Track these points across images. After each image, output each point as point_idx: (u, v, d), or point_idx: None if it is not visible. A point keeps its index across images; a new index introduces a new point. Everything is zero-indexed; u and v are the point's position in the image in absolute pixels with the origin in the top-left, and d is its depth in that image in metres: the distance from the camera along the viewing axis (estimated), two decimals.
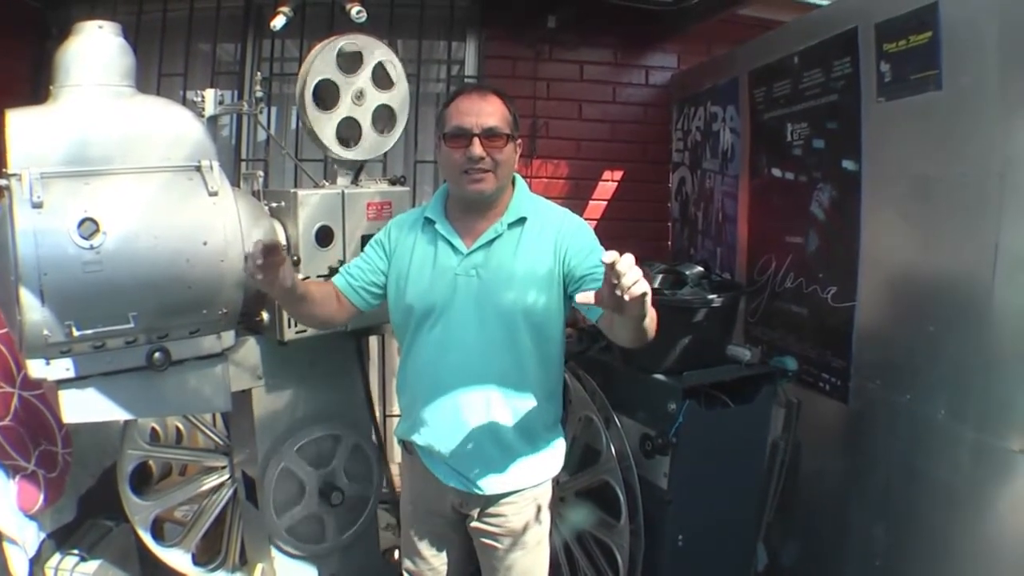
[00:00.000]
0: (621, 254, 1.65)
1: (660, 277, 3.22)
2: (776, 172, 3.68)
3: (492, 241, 2.25)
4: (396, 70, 3.07)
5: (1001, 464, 2.40)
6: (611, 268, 1.65)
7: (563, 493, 3.21)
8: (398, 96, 3.08)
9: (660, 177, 5.17)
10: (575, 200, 5.03)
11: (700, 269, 3.28)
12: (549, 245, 2.23)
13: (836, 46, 3.15)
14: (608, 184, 5.11)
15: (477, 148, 2.16)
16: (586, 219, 4.85)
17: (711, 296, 3.04)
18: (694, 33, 4.96)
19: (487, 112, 2.19)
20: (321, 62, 2.90)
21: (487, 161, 2.17)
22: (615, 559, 3.00)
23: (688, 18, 4.73)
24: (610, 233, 5.01)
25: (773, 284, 3.69)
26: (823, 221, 3.30)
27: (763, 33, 4.07)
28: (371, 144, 3.05)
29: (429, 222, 2.34)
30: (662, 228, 5.22)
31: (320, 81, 2.90)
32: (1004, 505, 2.44)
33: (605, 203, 5.11)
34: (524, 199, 2.33)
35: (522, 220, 2.27)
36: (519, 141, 2.32)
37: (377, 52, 3.01)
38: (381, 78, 3.04)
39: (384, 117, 3.08)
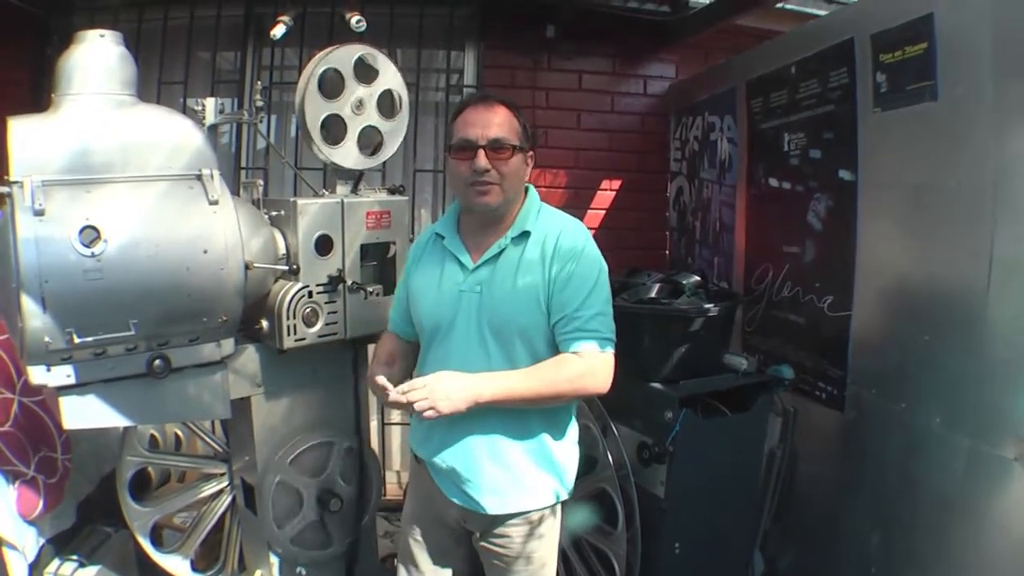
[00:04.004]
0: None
1: (657, 287, 3.24)
2: (773, 182, 3.70)
3: (497, 256, 2.22)
4: (401, 102, 3.08)
5: (996, 472, 2.41)
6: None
7: None
8: (393, 127, 3.09)
9: (658, 186, 5.20)
10: (573, 209, 4.98)
11: (697, 278, 3.30)
12: (544, 263, 2.18)
13: (832, 57, 3.17)
14: (606, 193, 5.13)
15: (482, 160, 2.13)
16: None
17: (708, 305, 3.06)
18: (692, 43, 4.99)
19: (494, 123, 2.17)
20: (340, 56, 2.91)
21: (492, 174, 2.15)
22: (612, 567, 3.01)
23: (686, 28, 4.76)
24: (608, 243, 5.02)
25: (770, 293, 3.70)
26: (819, 231, 3.32)
27: (760, 43, 4.08)
28: (351, 154, 3.02)
29: (439, 237, 2.33)
30: (660, 237, 5.24)
31: (332, 71, 2.91)
32: (999, 512, 2.45)
33: (603, 212, 5.13)
34: (531, 212, 2.27)
35: (526, 234, 2.22)
36: (530, 152, 2.28)
37: (391, 78, 3.03)
38: (385, 103, 3.06)
39: (372, 140, 3.09)
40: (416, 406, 2.01)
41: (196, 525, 3.26)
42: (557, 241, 2.19)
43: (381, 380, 2.14)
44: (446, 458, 2.26)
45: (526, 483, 2.25)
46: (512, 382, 2.11)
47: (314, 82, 2.89)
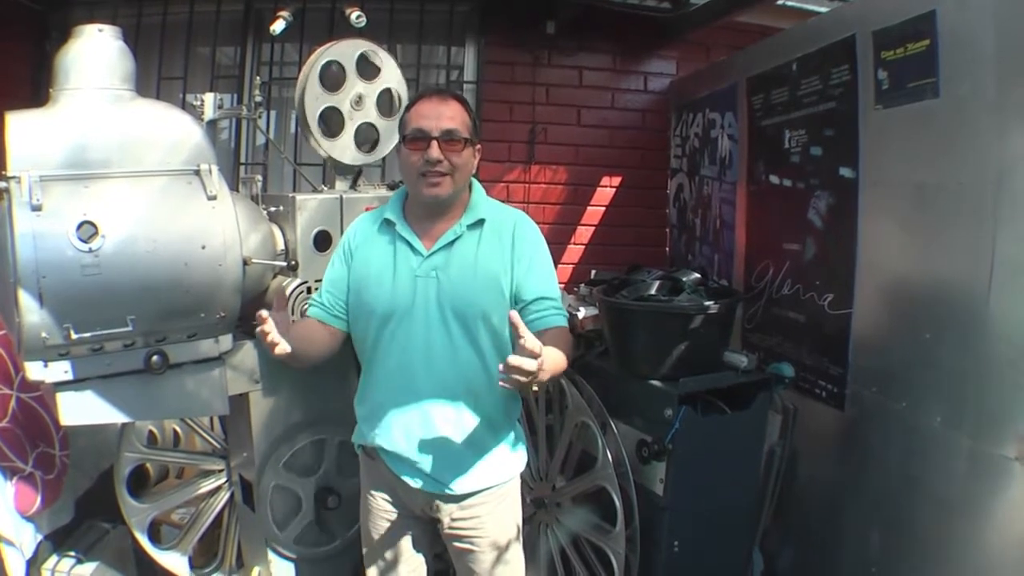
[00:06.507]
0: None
1: (657, 284, 3.23)
2: (774, 179, 3.69)
3: (452, 243, 2.27)
4: (400, 102, 3.10)
5: (997, 471, 2.41)
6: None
7: (559, 498, 3.21)
8: (390, 126, 3.11)
9: (658, 183, 5.18)
10: (573, 206, 5.04)
11: (697, 275, 3.29)
12: (505, 249, 2.28)
13: (834, 53, 3.16)
14: (606, 190, 5.12)
15: (435, 151, 2.18)
16: (584, 225, 4.92)
17: (708, 303, 3.05)
18: (693, 39, 4.99)
19: (447, 116, 2.22)
20: (344, 50, 2.94)
21: (445, 164, 2.20)
22: (611, 565, 3.00)
23: (687, 24, 4.74)
24: (607, 239, 5.06)
25: (770, 291, 3.70)
26: (820, 228, 3.31)
27: (762, 40, 4.08)
28: (348, 148, 3.08)
29: (388, 224, 2.35)
30: (660, 234, 5.23)
31: (335, 64, 2.92)
32: (1000, 512, 2.44)
33: (603, 209, 5.11)
34: (481, 201, 2.37)
35: (481, 222, 2.31)
36: (478, 147, 2.35)
37: (392, 76, 3.06)
38: (384, 101, 3.08)
39: (369, 137, 3.11)
40: (522, 377, 1.90)
41: (194, 522, 3.25)
42: (515, 230, 2.31)
43: None
44: (416, 447, 2.28)
45: (491, 460, 2.34)
46: (559, 358, 2.13)
47: (316, 73, 2.90)
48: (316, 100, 2.93)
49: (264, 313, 2.08)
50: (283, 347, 2.10)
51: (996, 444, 2.40)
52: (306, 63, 2.97)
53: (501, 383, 1.95)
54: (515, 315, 1.92)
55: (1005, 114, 2.37)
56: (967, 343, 2.52)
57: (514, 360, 1.87)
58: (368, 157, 3.10)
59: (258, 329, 2.09)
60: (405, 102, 3.10)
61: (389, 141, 3.10)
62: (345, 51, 2.94)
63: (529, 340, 1.88)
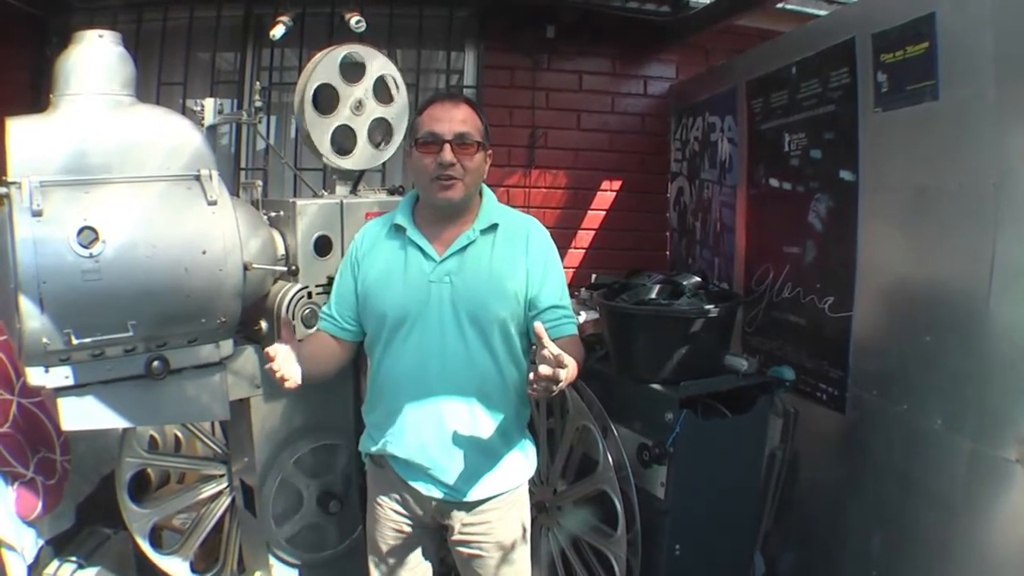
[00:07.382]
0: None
1: (657, 288, 3.23)
2: (774, 182, 3.70)
3: (465, 248, 2.27)
4: (397, 84, 3.10)
5: (998, 474, 2.40)
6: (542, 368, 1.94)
7: (560, 502, 3.21)
8: (396, 110, 3.11)
9: (658, 187, 5.19)
10: (573, 210, 5.05)
11: (697, 279, 3.29)
12: (519, 255, 2.29)
13: (833, 56, 3.16)
14: (606, 194, 5.13)
15: (448, 154, 2.18)
16: (584, 229, 4.93)
17: (708, 306, 3.04)
18: (692, 43, 5.00)
19: (459, 119, 2.22)
20: (324, 67, 2.92)
21: (457, 168, 2.20)
22: (612, 569, 3.00)
23: (686, 28, 4.76)
24: (608, 244, 5.06)
25: (770, 294, 3.70)
26: (820, 231, 3.31)
27: (761, 43, 4.08)
28: (366, 156, 3.08)
29: (399, 229, 2.34)
30: (660, 238, 5.23)
31: (321, 86, 2.92)
32: (1001, 514, 2.44)
33: (603, 213, 5.12)
34: (493, 206, 2.36)
35: (494, 227, 2.30)
36: (490, 151, 2.35)
37: (379, 65, 3.05)
38: (381, 91, 3.07)
39: (381, 130, 3.10)
40: (547, 383, 1.94)
41: (195, 527, 3.25)
42: (529, 236, 2.33)
43: None
44: (431, 454, 2.28)
45: (504, 466, 2.34)
46: (575, 365, 2.13)
47: (309, 104, 2.90)
48: (321, 128, 2.94)
49: (271, 351, 2.10)
50: (293, 381, 2.13)
51: (997, 446, 2.40)
52: (295, 96, 2.96)
53: (531, 392, 2.00)
54: (540, 327, 1.98)
55: (1005, 115, 2.37)
56: (968, 345, 2.52)
57: (545, 371, 1.92)
58: (386, 152, 3.12)
59: (266, 367, 2.12)
60: (402, 82, 3.12)
61: (400, 126, 3.12)
62: (326, 68, 2.93)
63: (556, 351, 1.92)
